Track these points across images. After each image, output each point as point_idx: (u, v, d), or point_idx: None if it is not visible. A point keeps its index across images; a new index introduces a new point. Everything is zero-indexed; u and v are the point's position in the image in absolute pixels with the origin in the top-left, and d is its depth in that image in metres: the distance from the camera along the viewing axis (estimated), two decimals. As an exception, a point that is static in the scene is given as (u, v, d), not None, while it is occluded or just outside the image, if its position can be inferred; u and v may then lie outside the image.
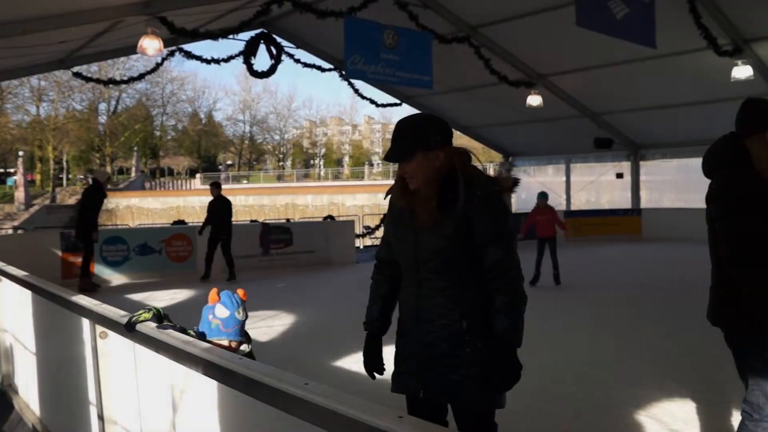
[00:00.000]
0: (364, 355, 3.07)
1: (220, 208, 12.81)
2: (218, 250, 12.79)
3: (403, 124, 2.84)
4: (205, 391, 2.55)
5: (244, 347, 3.23)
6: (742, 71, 14.42)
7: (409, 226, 2.84)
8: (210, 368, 2.44)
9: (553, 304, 9.82)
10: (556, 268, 11.66)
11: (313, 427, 1.84)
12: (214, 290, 3.24)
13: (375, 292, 3.11)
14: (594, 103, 19.47)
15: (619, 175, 22.03)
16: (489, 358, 2.69)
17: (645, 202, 22.00)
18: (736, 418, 4.86)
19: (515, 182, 2.89)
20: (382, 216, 20.16)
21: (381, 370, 3.04)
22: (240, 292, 3.29)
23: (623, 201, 22.12)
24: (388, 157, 2.82)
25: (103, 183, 12.12)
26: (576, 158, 23.28)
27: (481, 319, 2.74)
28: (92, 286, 11.39)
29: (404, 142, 2.79)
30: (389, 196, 2.99)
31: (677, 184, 21.12)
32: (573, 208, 22.89)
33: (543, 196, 12.02)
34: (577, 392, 5.53)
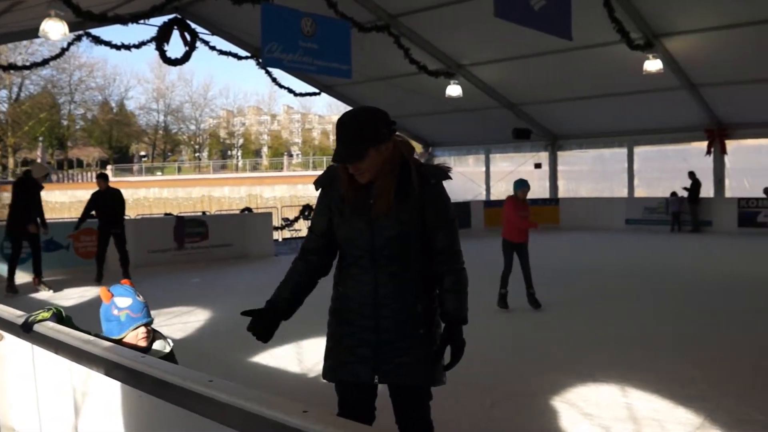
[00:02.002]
0: (256, 324, 3.01)
1: (110, 201, 11.71)
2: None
3: (348, 123, 2.77)
4: (109, 392, 2.48)
5: (166, 347, 3.17)
6: (653, 65, 14.95)
7: (361, 215, 2.81)
8: (113, 369, 2.39)
9: (471, 292, 9.84)
10: (531, 285, 8.69)
11: (219, 425, 1.80)
12: (103, 289, 3.21)
13: (292, 273, 3.04)
14: (513, 94, 19.81)
15: (538, 165, 22.53)
16: (441, 337, 2.84)
17: (562, 192, 22.56)
18: (645, 400, 4.99)
19: (449, 170, 2.96)
20: (301, 207, 19.97)
21: (267, 340, 3.00)
22: (125, 281, 3.31)
23: (541, 191, 22.60)
24: (341, 159, 2.74)
25: (39, 179, 10.88)
26: (495, 149, 23.69)
27: (431, 301, 2.89)
28: (12, 289, 10.53)
29: (355, 142, 2.72)
30: (322, 188, 2.96)
31: (593, 174, 21.76)
32: (492, 198, 23.23)
33: (523, 184, 8.91)
34: (494, 381, 5.55)
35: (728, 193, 19.18)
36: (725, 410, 4.72)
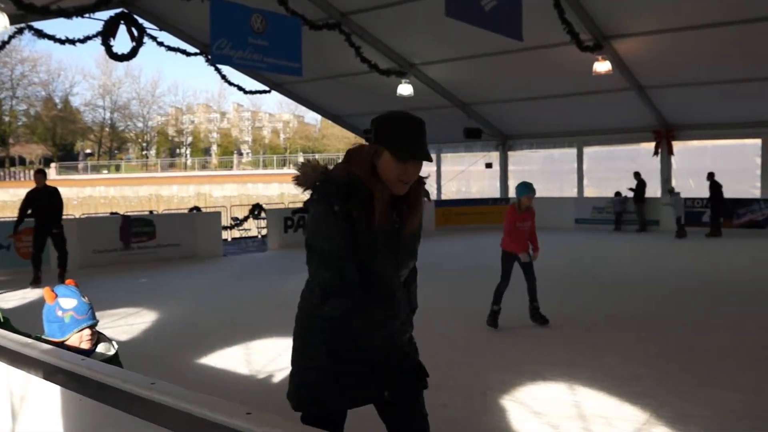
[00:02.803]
0: (328, 401, 2.63)
1: (47, 199, 11.16)
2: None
3: (421, 121, 2.67)
4: (48, 396, 2.38)
5: (110, 350, 3.08)
6: (602, 66, 15.21)
7: (392, 239, 2.60)
8: (52, 372, 2.32)
9: (422, 292, 9.87)
10: (536, 298, 7.78)
11: (161, 429, 1.76)
12: (46, 289, 3.12)
13: (345, 325, 2.58)
14: (464, 94, 19.92)
15: (488, 165, 22.72)
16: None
17: (513, 192, 22.69)
18: (592, 397, 5.06)
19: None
20: (251, 207, 19.76)
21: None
22: (70, 281, 3.23)
23: (492, 190, 22.82)
24: (426, 156, 2.59)
25: None
26: (446, 148, 23.80)
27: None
28: None
29: (425, 142, 2.62)
30: (333, 205, 2.50)
31: (543, 173, 22.01)
32: (443, 197, 23.37)
33: (526, 189, 7.74)
34: (446, 380, 5.54)
35: (676, 193, 19.67)
36: (671, 407, 4.80)
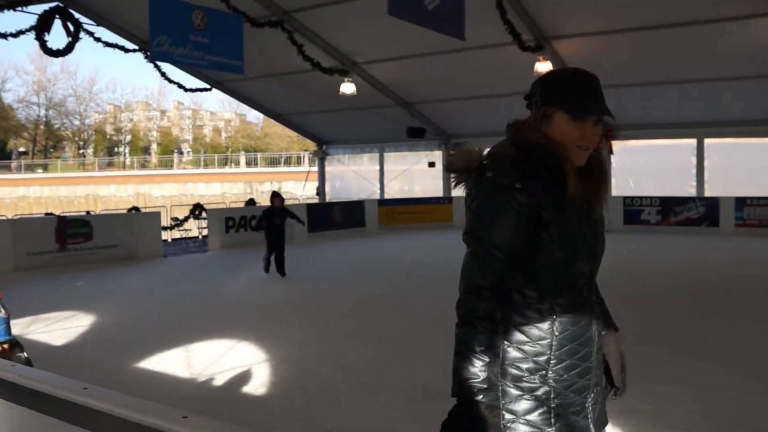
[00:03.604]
0: None
1: None
2: None
3: (596, 77, 2.12)
4: None
5: (20, 354, 2.94)
6: (544, 66, 15.42)
7: (586, 221, 2.09)
8: None
9: (372, 290, 9.85)
10: None
11: None
12: None
13: (489, 337, 2.01)
14: (407, 93, 19.99)
15: (431, 164, 22.83)
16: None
17: (456, 191, 22.83)
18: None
19: None
20: (191, 207, 19.45)
21: None
22: None
23: (435, 189, 22.94)
24: (607, 111, 2.06)
25: None
26: (389, 147, 23.84)
27: None
28: None
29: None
30: (509, 188, 2.00)
31: (485, 173, 22.17)
32: (386, 196, 23.40)
33: None
34: (386, 381, 5.54)
35: (614, 192, 20.08)
36: (610, 402, 4.80)
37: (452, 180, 2.23)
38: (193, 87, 20.15)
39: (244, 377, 5.73)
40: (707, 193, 18.60)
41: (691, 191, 18.88)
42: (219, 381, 5.61)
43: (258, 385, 5.54)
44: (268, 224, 11.61)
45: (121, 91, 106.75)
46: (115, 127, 78.87)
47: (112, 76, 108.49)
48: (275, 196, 11.97)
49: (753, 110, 16.95)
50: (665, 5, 13.28)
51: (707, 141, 18.64)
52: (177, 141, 79.75)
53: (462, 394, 2.00)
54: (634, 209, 18.90)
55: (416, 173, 23.58)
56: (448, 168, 2.18)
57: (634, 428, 4.42)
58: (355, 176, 24.20)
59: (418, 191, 23.60)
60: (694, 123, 18.22)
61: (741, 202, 17.52)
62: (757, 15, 13.07)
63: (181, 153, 74.74)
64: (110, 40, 15.92)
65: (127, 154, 76.41)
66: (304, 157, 49.83)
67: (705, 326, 7.39)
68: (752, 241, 15.59)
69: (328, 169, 25.21)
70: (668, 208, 18.47)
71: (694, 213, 18.20)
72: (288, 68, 17.77)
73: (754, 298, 9.07)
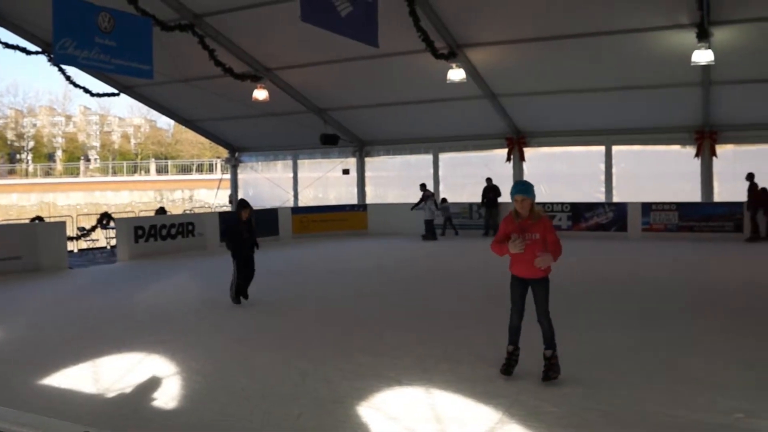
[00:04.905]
0: None
1: None
2: None
3: None
4: None
5: None
6: (457, 74, 15.72)
7: None
8: None
9: (268, 304, 9.74)
10: (551, 339, 5.61)
11: None
12: None
13: None
14: (320, 99, 19.97)
15: (346, 171, 22.90)
16: None
17: (371, 198, 23.04)
18: (447, 400, 5.17)
19: None
20: (99, 216, 18.82)
21: None
22: None
23: (350, 197, 22.97)
24: None
25: None
26: (303, 154, 23.77)
27: None
28: None
29: None
30: None
31: (400, 179, 22.41)
32: (301, 204, 23.27)
33: (518, 187, 5.92)
34: (301, 391, 5.48)
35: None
36: (521, 405, 4.98)
37: None
38: (101, 92, 19.60)
39: (153, 391, 5.54)
40: (615, 199, 19.32)
41: (599, 197, 19.57)
42: (127, 395, 5.41)
43: (168, 398, 5.37)
44: (236, 242, 9.43)
45: (24, 94, 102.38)
46: (17, 133, 75.34)
47: (13, 78, 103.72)
48: (244, 205, 9.65)
49: (659, 118, 17.72)
50: (576, 16, 13.76)
51: (615, 148, 19.38)
52: (84, 147, 76.89)
53: None
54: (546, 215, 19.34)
55: (331, 180, 23.59)
56: None
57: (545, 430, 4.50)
58: (268, 184, 23.98)
59: (332, 198, 23.58)
60: (603, 131, 18.91)
61: (647, 207, 18.24)
62: (667, 27, 13.68)
63: (88, 160, 72.23)
64: (11, 42, 15.26)
65: (30, 161, 73.12)
66: (216, 164, 49.00)
67: (611, 329, 7.62)
68: (657, 244, 16.26)
69: (241, 176, 24.91)
70: (579, 213, 19.05)
71: (603, 218, 18.84)
72: (199, 73, 17.46)
73: (665, 300, 9.43)
